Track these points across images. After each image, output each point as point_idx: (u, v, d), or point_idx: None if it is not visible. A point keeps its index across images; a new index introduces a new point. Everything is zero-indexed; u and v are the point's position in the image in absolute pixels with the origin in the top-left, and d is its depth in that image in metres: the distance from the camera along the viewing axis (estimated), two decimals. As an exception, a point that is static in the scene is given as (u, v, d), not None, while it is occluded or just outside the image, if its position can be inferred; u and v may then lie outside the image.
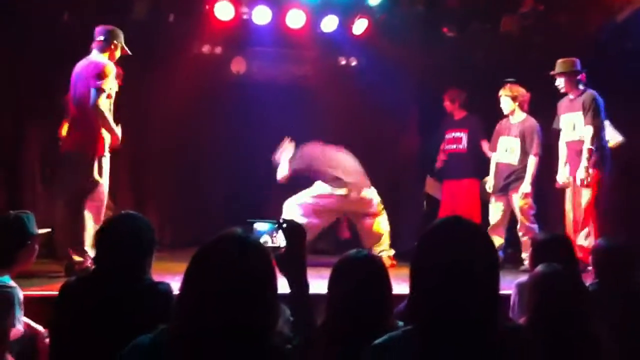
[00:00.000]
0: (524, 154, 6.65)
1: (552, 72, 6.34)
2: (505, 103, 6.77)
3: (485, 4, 7.35)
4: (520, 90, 6.75)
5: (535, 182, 6.64)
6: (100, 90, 5.16)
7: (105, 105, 5.23)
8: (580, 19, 7.25)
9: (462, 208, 7.17)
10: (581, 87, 6.27)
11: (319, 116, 7.70)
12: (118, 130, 5.37)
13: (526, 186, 6.58)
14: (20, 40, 6.68)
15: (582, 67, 6.31)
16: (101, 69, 5.22)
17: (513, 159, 6.72)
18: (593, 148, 6.03)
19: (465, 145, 7.46)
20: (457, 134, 7.55)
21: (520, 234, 6.65)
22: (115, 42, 5.42)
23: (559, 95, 6.45)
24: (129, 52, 5.58)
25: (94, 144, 5.26)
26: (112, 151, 5.45)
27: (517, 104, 6.73)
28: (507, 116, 6.85)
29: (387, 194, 8.44)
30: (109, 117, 5.26)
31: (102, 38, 5.39)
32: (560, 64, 6.33)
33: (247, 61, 8.19)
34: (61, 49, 6.41)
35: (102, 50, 5.40)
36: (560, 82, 6.33)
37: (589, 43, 7.11)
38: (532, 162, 6.61)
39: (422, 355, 1.75)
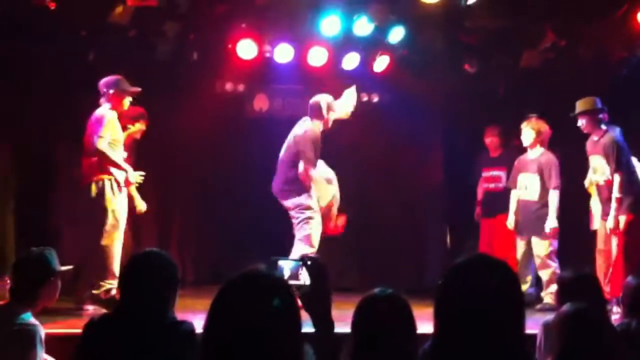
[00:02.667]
0: (544, 189, 6.59)
1: (572, 114, 6.21)
2: (528, 136, 6.71)
3: (506, 39, 7.36)
4: (545, 126, 6.70)
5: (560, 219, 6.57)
6: (99, 137, 5.55)
7: (108, 148, 5.58)
8: (602, 53, 7.23)
9: (498, 245, 7.07)
10: (603, 126, 6.12)
11: (342, 152, 7.72)
12: (128, 167, 5.75)
13: (552, 222, 6.48)
14: (46, 76, 6.82)
15: (602, 104, 6.16)
16: (99, 118, 5.65)
17: (533, 195, 6.65)
18: (621, 197, 5.88)
19: (504, 183, 7.33)
20: (496, 173, 7.49)
21: (540, 272, 6.55)
22: (113, 90, 5.77)
23: (580, 130, 6.37)
24: (135, 90, 5.89)
25: (96, 173, 5.60)
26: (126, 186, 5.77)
27: (540, 139, 6.69)
28: (525, 152, 6.83)
29: (410, 230, 8.44)
30: (115, 156, 5.61)
31: (103, 91, 5.80)
32: (580, 104, 6.19)
33: (269, 99, 8.26)
34: (88, 86, 6.53)
35: (106, 102, 5.80)
36: (581, 123, 6.18)
37: (611, 77, 7.09)
38: (553, 196, 6.54)
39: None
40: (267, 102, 8.23)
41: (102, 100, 5.79)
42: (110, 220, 5.57)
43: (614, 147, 5.94)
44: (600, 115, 6.13)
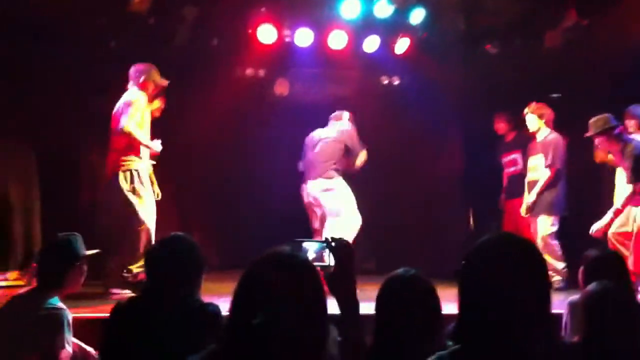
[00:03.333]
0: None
1: (586, 134, 6.10)
2: (532, 121, 6.80)
3: (528, 20, 7.28)
4: (546, 109, 6.75)
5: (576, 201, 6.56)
6: (127, 117, 5.59)
7: (135, 129, 5.62)
8: (625, 32, 7.12)
9: (522, 226, 7.06)
10: (622, 139, 6.00)
11: (363, 135, 7.70)
12: (154, 144, 5.85)
13: (531, 196, 6.61)
14: (67, 64, 6.85)
15: (615, 120, 6.03)
16: (129, 99, 5.69)
17: (538, 175, 6.72)
18: (621, 209, 5.89)
19: (521, 165, 7.40)
20: (513, 156, 7.55)
21: (542, 251, 6.56)
22: (144, 78, 5.83)
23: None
24: (165, 83, 5.97)
25: (120, 162, 5.67)
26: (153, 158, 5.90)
27: (543, 121, 6.74)
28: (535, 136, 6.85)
29: (429, 213, 8.42)
30: (140, 136, 5.66)
31: (134, 77, 5.85)
32: (593, 124, 6.04)
33: (290, 83, 8.26)
34: (109, 73, 6.56)
35: (135, 87, 5.84)
36: (598, 142, 6.11)
37: (633, 57, 6.98)
38: (544, 174, 6.61)
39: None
40: (287, 87, 8.23)
41: (129, 85, 5.84)
42: (140, 206, 5.65)
43: (632, 160, 5.87)
44: (616, 131, 5.99)
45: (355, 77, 8.21)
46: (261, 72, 8.07)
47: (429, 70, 7.84)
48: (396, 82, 8.31)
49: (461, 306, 1.82)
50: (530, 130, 6.87)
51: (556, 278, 6.46)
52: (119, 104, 5.74)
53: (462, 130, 8.61)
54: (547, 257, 6.52)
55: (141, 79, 5.83)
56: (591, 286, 2.79)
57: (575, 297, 3.45)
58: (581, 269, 3.62)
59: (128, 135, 5.60)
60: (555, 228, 6.62)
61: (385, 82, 8.30)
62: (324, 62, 7.82)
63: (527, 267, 1.76)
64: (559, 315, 3.58)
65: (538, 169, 6.76)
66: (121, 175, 5.64)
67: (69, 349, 3.25)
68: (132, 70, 5.88)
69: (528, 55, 7.63)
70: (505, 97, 7.83)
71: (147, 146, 5.76)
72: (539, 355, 1.72)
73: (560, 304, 3.63)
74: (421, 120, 8.18)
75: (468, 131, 8.46)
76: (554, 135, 6.71)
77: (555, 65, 7.52)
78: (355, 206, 6.36)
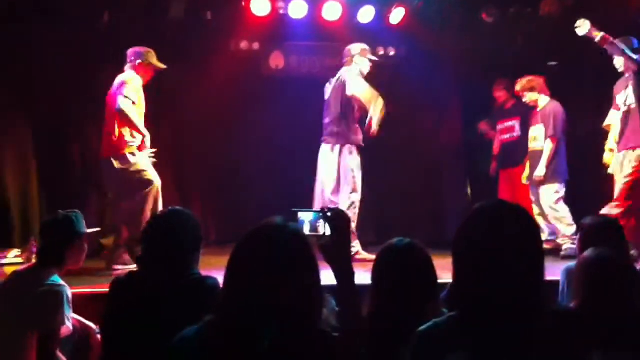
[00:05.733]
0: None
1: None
2: (526, 97, 6.82)
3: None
4: (533, 80, 6.76)
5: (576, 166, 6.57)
6: (123, 97, 5.51)
7: (132, 109, 5.54)
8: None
9: (519, 194, 7.08)
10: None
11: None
12: (147, 137, 5.69)
13: (540, 170, 6.55)
14: (62, 40, 6.80)
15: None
16: (125, 80, 5.61)
17: (539, 145, 6.72)
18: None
19: (519, 132, 7.40)
20: (510, 123, 7.53)
21: (551, 219, 6.60)
22: (141, 61, 5.76)
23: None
24: (162, 66, 5.86)
25: (118, 145, 5.57)
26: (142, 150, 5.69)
27: (536, 92, 6.75)
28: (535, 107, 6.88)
29: (428, 183, 8.43)
30: (135, 118, 5.57)
31: (131, 59, 5.77)
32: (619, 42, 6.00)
33: (284, 56, 8.21)
34: (102, 48, 6.52)
35: (130, 69, 5.77)
36: (619, 61, 6.02)
37: (631, 24, 6.94)
38: (547, 145, 6.59)
39: (468, 340, 1.73)
40: (283, 60, 8.18)
41: (126, 67, 5.77)
42: (143, 183, 5.59)
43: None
44: (637, 57, 5.92)
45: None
46: (255, 45, 8.01)
47: (425, 40, 7.79)
48: (392, 53, 8.25)
49: (456, 273, 1.83)
50: (530, 104, 6.89)
51: (566, 245, 6.43)
52: (114, 85, 5.66)
53: (460, 99, 8.59)
54: (557, 224, 6.56)
55: (137, 62, 5.75)
56: (587, 252, 2.80)
57: (571, 263, 3.47)
58: (578, 235, 3.63)
59: (122, 115, 5.51)
60: (561, 194, 6.63)
61: (381, 53, 8.23)
62: (319, 34, 7.78)
63: (519, 234, 1.76)
64: (553, 283, 3.60)
65: (538, 139, 6.76)
66: (118, 159, 5.56)
67: (69, 325, 3.28)
68: (130, 52, 5.81)
69: (525, 22, 7.59)
70: (503, 66, 7.80)
71: (139, 131, 5.61)
72: (534, 320, 1.73)
73: (558, 271, 3.65)
74: (418, 91, 8.14)
75: (466, 100, 8.44)
76: (553, 105, 6.71)
77: (553, 32, 7.47)
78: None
